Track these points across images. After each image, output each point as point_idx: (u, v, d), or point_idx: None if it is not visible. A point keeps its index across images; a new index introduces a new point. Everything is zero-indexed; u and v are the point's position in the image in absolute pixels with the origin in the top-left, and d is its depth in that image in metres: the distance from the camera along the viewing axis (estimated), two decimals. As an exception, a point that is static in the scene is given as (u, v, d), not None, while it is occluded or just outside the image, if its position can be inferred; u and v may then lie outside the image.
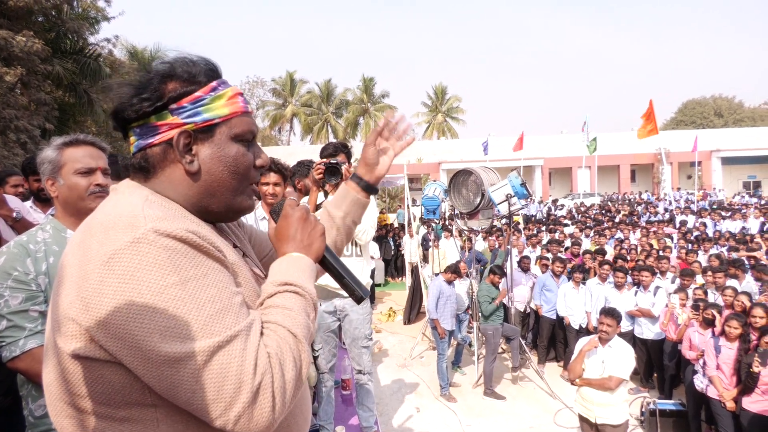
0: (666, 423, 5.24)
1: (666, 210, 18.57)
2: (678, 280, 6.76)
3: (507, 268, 6.94)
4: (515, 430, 5.60)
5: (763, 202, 20.74)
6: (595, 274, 7.26)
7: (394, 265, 14.17)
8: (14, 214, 2.57)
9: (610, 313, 4.51)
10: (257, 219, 3.36)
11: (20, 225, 2.49)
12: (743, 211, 15.80)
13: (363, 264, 3.55)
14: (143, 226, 0.79)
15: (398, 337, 8.64)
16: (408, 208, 11.02)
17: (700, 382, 4.98)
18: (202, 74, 0.95)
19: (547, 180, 34.67)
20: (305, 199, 3.57)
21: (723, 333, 4.81)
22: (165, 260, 0.77)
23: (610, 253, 8.92)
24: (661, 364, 6.23)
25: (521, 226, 13.05)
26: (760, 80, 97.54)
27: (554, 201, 24.50)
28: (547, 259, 7.87)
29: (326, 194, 3.10)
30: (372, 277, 7.15)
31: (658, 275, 6.84)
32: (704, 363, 4.92)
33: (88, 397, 0.81)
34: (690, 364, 5.36)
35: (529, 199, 7.48)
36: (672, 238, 11.20)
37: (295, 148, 35.00)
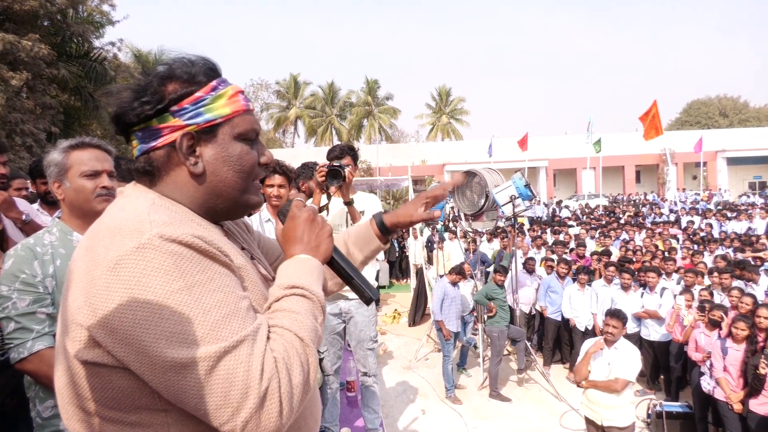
0: (673, 425, 5.22)
1: (671, 211, 18.50)
2: (683, 281, 6.73)
3: (512, 269, 6.93)
4: (521, 433, 5.58)
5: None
6: (600, 276, 7.23)
7: (398, 266, 14.16)
8: (23, 217, 2.59)
9: (615, 314, 4.50)
10: (262, 221, 3.36)
11: (29, 228, 2.50)
12: (749, 211, 15.71)
13: (368, 266, 3.55)
14: (149, 232, 0.79)
15: (403, 339, 8.63)
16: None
17: (707, 384, 4.95)
18: (202, 74, 0.94)
19: (552, 181, 34.60)
20: (308, 201, 3.57)
21: (730, 334, 4.78)
22: (170, 265, 0.77)
23: (616, 255, 8.89)
24: (667, 365, 6.21)
25: (526, 228, 13.03)
26: (765, 80, 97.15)
27: (558, 202, 24.44)
28: (552, 260, 7.85)
29: (329, 197, 3.09)
30: (376, 279, 7.14)
31: (664, 276, 6.81)
32: (711, 365, 4.89)
33: (98, 401, 0.81)
34: (696, 366, 5.33)
35: (533, 201, 7.46)
36: (677, 239, 11.16)
37: (299, 151, 35.07)
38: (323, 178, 3.02)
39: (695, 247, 9.77)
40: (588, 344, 4.60)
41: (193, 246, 0.81)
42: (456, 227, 10.91)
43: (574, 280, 7.18)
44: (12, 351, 1.59)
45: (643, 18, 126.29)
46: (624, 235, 11.61)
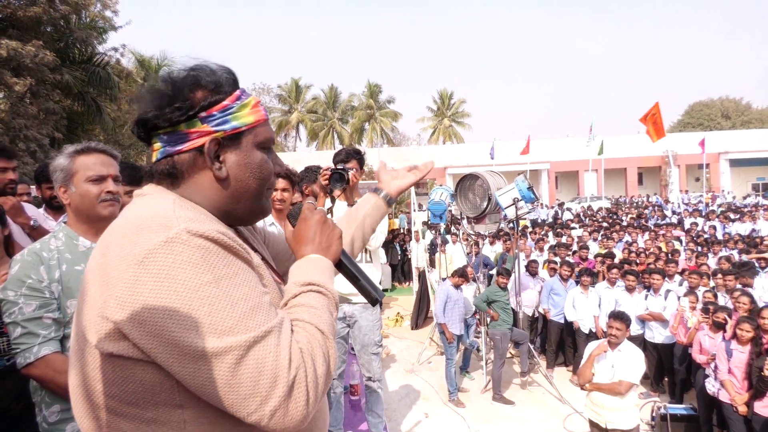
0: (677, 427, 5.19)
1: (674, 213, 18.47)
2: (686, 283, 6.71)
3: (515, 272, 6.93)
4: (525, 436, 5.56)
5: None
6: (603, 278, 7.22)
7: (400, 270, 14.15)
8: (31, 222, 2.60)
9: (619, 317, 4.49)
10: (266, 225, 3.37)
11: (37, 233, 2.51)
12: (753, 213, 15.68)
13: (373, 270, 3.54)
14: (176, 227, 0.81)
15: (406, 343, 8.62)
16: (412, 213, 11.01)
17: (711, 386, 4.93)
18: (228, 83, 0.98)
19: (554, 184, 34.58)
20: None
21: (734, 336, 4.77)
22: (199, 259, 0.79)
23: (619, 257, 8.87)
24: (671, 368, 6.18)
25: (529, 230, 13.01)
26: (767, 82, 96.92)
27: (560, 204, 24.41)
28: (555, 263, 7.84)
29: (333, 200, 3.10)
30: (379, 282, 7.14)
31: (667, 278, 6.79)
32: (716, 367, 4.88)
33: (116, 396, 0.82)
34: (700, 368, 5.31)
35: (536, 203, 7.46)
36: (681, 241, 11.13)
37: (301, 155, 35.14)
38: (327, 181, 3.02)
39: (699, 248, 9.74)
40: (592, 347, 4.59)
41: (219, 241, 0.83)
42: (458, 230, 10.90)
43: (577, 282, 7.17)
44: (18, 356, 1.61)
45: (644, 20, 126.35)
46: (627, 237, 11.59)
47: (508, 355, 6.98)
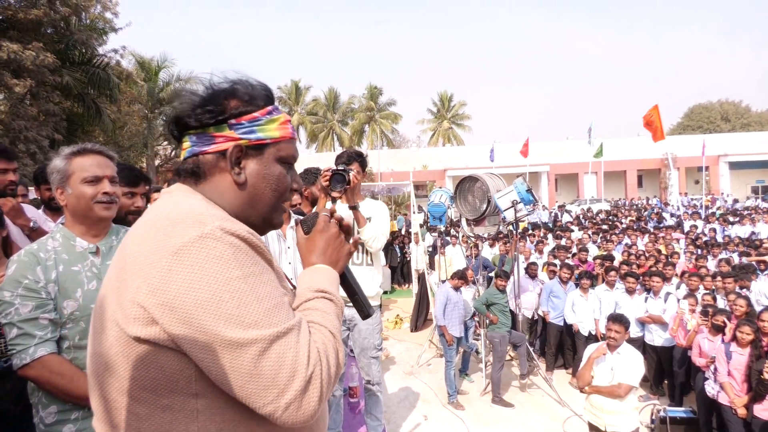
0: (677, 430, 5.18)
1: (672, 215, 18.47)
2: (683, 285, 6.71)
3: (514, 274, 6.92)
4: (524, 438, 5.55)
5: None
6: (602, 281, 7.21)
7: (400, 272, 14.14)
8: (31, 224, 2.60)
9: (618, 319, 4.48)
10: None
11: (36, 234, 2.51)
12: (752, 216, 15.68)
13: (374, 273, 3.52)
14: (211, 224, 0.87)
15: (405, 345, 8.61)
16: (411, 215, 11.00)
17: (711, 389, 4.93)
18: (261, 98, 1.05)
19: (554, 186, 34.58)
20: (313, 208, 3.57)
21: (734, 339, 4.76)
22: (230, 255, 0.85)
23: (618, 259, 8.87)
24: (671, 370, 6.17)
25: (528, 233, 13.00)
26: (767, 84, 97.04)
27: (561, 206, 24.42)
28: (555, 265, 7.83)
29: (334, 201, 3.09)
30: (381, 286, 7.13)
31: (665, 281, 6.78)
32: (715, 369, 4.87)
33: (137, 381, 0.86)
34: (700, 371, 5.30)
35: (535, 205, 7.46)
36: (680, 244, 11.12)
37: (300, 157, 34.93)
38: (327, 182, 3.01)
39: (698, 251, 9.73)
40: (591, 349, 4.58)
41: (248, 241, 0.90)
42: (458, 232, 10.90)
43: (576, 285, 7.16)
44: (14, 357, 1.60)
45: (644, 22, 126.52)
46: (626, 240, 11.58)
47: (507, 357, 6.97)
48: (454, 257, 9.82)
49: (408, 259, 13.43)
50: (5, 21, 12.19)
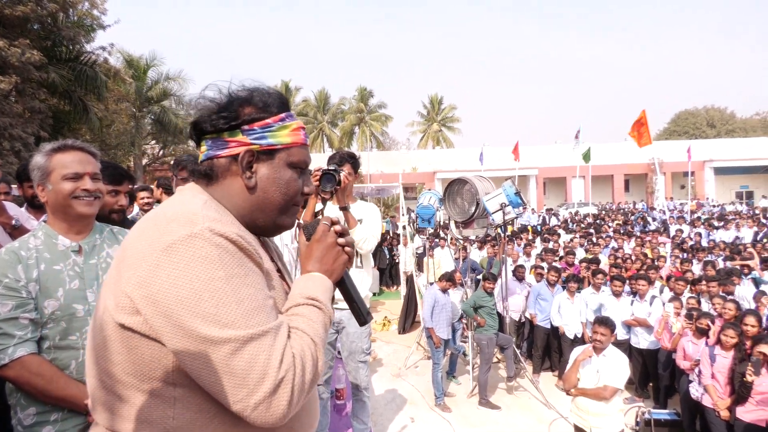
0: (661, 432, 5.23)
1: (653, 219, 18.68)
2: (666, 289, 6.76)
3: (502, 277, 6.94)
4: (510, 440, 5.56)
5: (757, 212, 20.86)
6: (589, 284, 7.26)
7: (388, 274, 14.12)
8: (13, 222, 2.55)
9: (603, 322, 4.51)
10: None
11: (18, 233, 2.46)
12: (737, 220, 15.89)
13: (363, 275, 3.51)
14: (201, 224, 0.91)
15: (393, 347, 8.60)
16: (401, 217, 11.00)
17: (695, 391, 4.98)
18: (275, 105, 1.09)
19: (542, 189, 34.80)
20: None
21: (718, 342, 4.81)
22: (215, 256, 0.89)
23: (605, 263, 8.93)
24: (656, 373, 6.23)
25: (517, 235, 13.06)
26: (752, 91, 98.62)
27: (549, 210, 24.57)
28: (542, 268, 7.85)
29: (324, 201, 3.06)
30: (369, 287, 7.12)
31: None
32: (699, 372, 4.92)
33: (120, 365, 0.93)
34: (684, 374, 5.35)
35: (524, 208, 7.49)
36: (666, 248, 11.23)
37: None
38: (318, 182, 2.99)
39: (684, 255, 9.84)
40: (577, 352, 4.61)
41: (236, 242, 0.93)
42: (446, 234, 10.92)
43: (563, 287, 7.19)
44: (-7, 357, 1.57)
45: (631, 29, 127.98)
46: (613, 243, 11.68)
47: (494, 359, 6.99)
48: (443, 259, 9.84)
49: (396, 261, 13.43)
50: (-9, 16, 12.02)
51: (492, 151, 30.00)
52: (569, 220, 19.71)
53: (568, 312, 6.90)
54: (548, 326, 7.18)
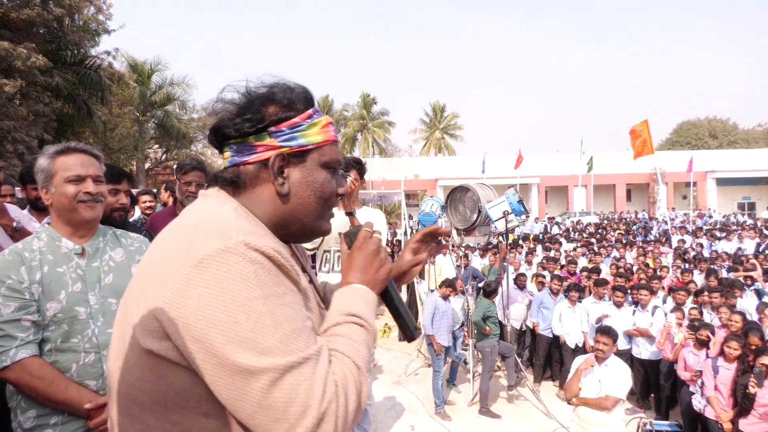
0: (662, 444, 5.19)
1: (651, 229, 18.66)
2: (669, 299, 6.73)
3: (503, 285, 6.92)
4: (510, 450, 5.52)
5: (759, 223, 20.83)
6: (590, 293, 7.24)
7: (389, 280, 14.09)
8: (14, 224, 2.56)
9: (606, 331, 4.49)
10: None
11: (20, 235, 2.47)
12: (739, 231, 15.86)
13: None
14: (235, 237, 0.82)
15: (393, 354, 8.56)
16: (403, 223, 11.00)
17: (698, 403, 4.94)
18: (300, 101, 1.00)
19: (544, 198, 34.81)
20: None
21: (722, 353, 4.79)
22: (251, 273, 0.80)
23: (606, 272, 8.91)
24: (658, 384, 6.19)
25: (520, 242, 13.06)
26: (754, 103, 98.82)
27: (551, 218, 24.56)
28: (544, 276, 7.83)
29: None
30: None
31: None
32: (702, 383, 4.89)
33: (148, 393, 0.83)
34: (685, 385, 5.32)
35: (527, 216, 7.48)
36: (668, 258, 11.21)
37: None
38: None
39: (686, 265, 9.81)
40: (579, 361, 4.59)
41: (273, 258, 0.84)
42: (448, 242, 10.91)
43: (565, 296, 7.17)
44: (-6, 359, 1.56)
45: (635, 40, 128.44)
46: (615, 253, 11.66)
47: (495, 368, 6.95)
48: (444, 266, 9.82)
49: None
50: (-3, 20, 12.11)
51: (494, 159, 30.08)
52: (571, 229, 19.69)
53: (569, 321, 6.87)
54: (550, 335, 7.15)
